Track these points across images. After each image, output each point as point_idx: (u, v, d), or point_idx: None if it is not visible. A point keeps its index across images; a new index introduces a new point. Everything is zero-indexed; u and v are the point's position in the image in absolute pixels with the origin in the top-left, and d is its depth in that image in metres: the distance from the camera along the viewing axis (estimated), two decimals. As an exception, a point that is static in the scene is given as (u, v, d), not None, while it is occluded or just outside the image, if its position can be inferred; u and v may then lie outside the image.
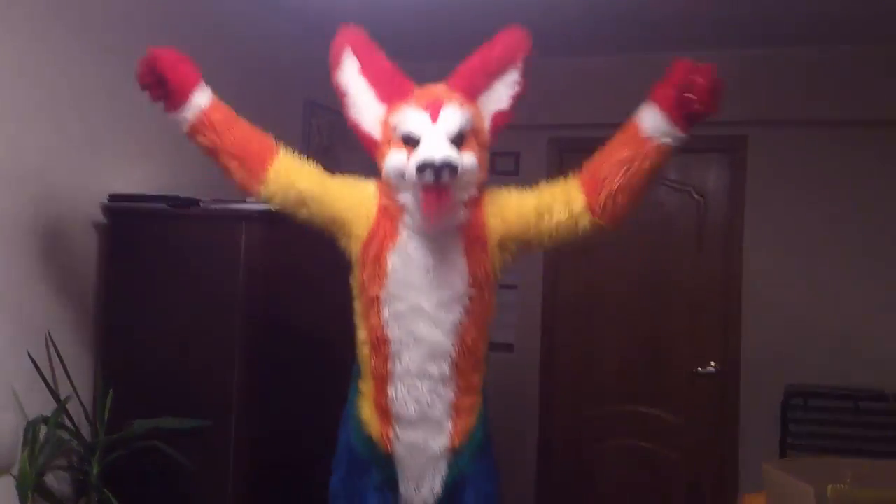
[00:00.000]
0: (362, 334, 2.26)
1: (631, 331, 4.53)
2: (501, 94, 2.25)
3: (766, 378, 4.22)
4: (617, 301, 4.54)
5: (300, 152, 2.39)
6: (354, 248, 2.25)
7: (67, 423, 2.66)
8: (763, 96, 4.23)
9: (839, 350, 4.14)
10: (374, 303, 2.19)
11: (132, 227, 2.91)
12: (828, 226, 4.21)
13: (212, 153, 2.32)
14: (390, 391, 2.20)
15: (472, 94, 2.21)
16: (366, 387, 2.27)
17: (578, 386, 4.62)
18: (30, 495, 2.43)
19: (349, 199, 2.26)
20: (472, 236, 2.19)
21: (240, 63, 3.72)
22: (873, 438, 3.91)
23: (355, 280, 2.26)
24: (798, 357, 4.20)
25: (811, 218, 4.24)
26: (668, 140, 2.13)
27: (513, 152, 4.72)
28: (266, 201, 2.32)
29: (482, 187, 2.23)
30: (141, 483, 2.68)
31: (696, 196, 4.47)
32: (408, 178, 2.07)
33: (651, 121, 2.15)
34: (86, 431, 2.75)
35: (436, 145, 2.03)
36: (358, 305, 2.27)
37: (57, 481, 2.70)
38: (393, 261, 2.17)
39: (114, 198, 2.91)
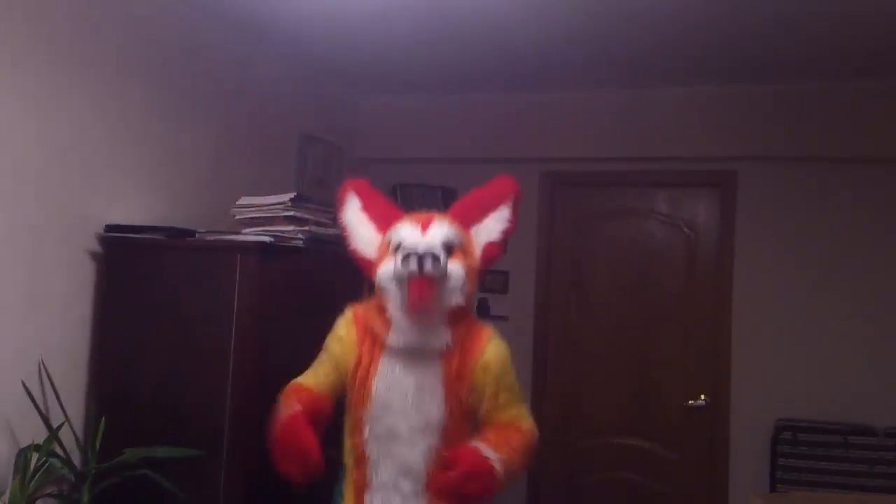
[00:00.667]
0: (348, 446, 2.41)
1: (622, 364, 4.54)
2: (492, 228, 2.42)
3: (756, 412, 4.23)
4: (608, 334, 4.57)
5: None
6: (345, 377, 2.41)
7: (59, 450, 2.66)
8: (752, 132, 4.28)
9: (829, 384, 4.16)
10: (359, 423, 2.36)
11: (128, 258, 2.93)
12: (817, 261, 4.24)
13: None
14: (366, 500, 2.35)
15: (464, 224, 2.40)
16: (347, 492, 2.42)
17: (569, 418, 4.62)
18: (20, 523, 2.43)
19: (338, 347, 2.43)
20: (452, 370, 2.32)
21: (235, 97, 3.77)
22: (862, 473, 3.92)
23: (347, 401, 2.41)
24: (788, 391, 4.21)
25: (801, 253, 4.27)
26: None
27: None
28: None
29: (471, 316, 2.41)
30: (131, 512, 2.68)
31: (686, 230, 4.51)
32: (395, 275, 2.24)
33: None
34: (77, 459, 2.76)
35: (422, 241, 2.24)
36: (347, 421, 2.42)
37: (48, 509, 2.70)
38: (377, 385, 2.33)
39: (110, 228, 2.93)
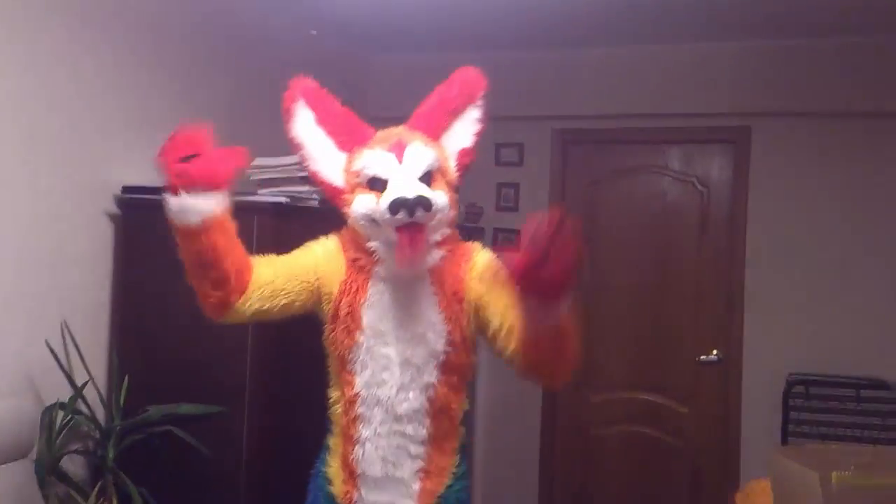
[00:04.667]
0: (334, 393, 2.19)
1: (635, 319, 4.57)
2: (463, 132, 2.23)
3: (769, 366, 4.25)
4: (621, 290, 4.58)
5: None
6: (326, 307, 2.15)
7: (84, 408, 2.72)
8: (766, 87, 4.24)
9: (841, 339, 4.17)
10: (346, 360, 2.13)
11: (145, 218, 2.93)
12: (830, 216, 4.23)
13: (207, 261, 2.01)
14: (357, 449, 2.12)
15: (433, 134, 2.18)
16: (334, 443, 2.21)
17: (582, 373, 4.62)
18: (47, 479, 2.49)
19: (315, 262, 2.17)
20: (448, 289, 2.11)
21: (247, 57, 3.76)
22: (874, 426, 3.94)
23: (328, 338, 2.17)
24: (800, 346, 4.23)
25: (814, 208, 4.26)
26: (536, 314, 1.83)
27: (517, 143, 4.75)
28: (240, 313, 2.11)
29: (454, 234, 2.18)
30: (156, 467, 2.74)
31: (699, 186, 4.50)
32: (380, 221, 2.01)
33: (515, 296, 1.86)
34: (101, 417, 2.81)
35: (406, 183, 2.00)
36: (331, 363, 2.20)
37: (74, 465, 2.76)
38: (367, 316, 2.10)
39: (127, 189, 2.95)
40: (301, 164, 2.25)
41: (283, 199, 2.83)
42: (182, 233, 1.98)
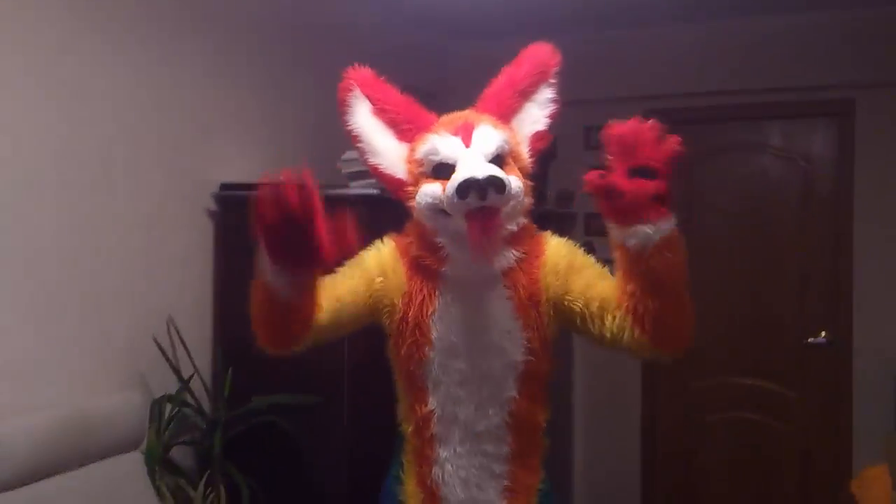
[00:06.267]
0: (404, 409, 2.03)
1: (737, 303, 4.43)
2: (536, 115, 2.02)
3: (881, 348, 4.07)
4: (722, 271, 4.44)
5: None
6: (387, 320, 1.97)
7: (190, 400, 2.81)
8: (869, 58, 4.06)
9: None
10: (417, 376, 1.96)
11: (243, 214, 3.00)
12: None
13: (277, 319, 1.83)
14: (436, 471, 1.96)
15: (503, 117, 1.98)
16: (407, 462, 2.03)
17: (683, 358, 4.54)
18: (157, 469, 2.58)
19: (368, 281, 1.95)
20: (523, 294, 1.91)
21: (335, 53, 3.79)
22: None
23: (393, 352, 2.00)
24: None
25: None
26: (640, 240, 1.64)
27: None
28: (289, 352, 1.92)
29: (530, 227, 1.98)
30: (260, 456, 2.82)
31: (801, 163, 4.33)
32: (448, 208, 1.81)
33: (614, 234, 1.70)
34: (207, 408, 2.89)
35: (476, 164, 1.79)
36: (398, 378, 2.04)
37: (182, 456, 2.86)
38: (437, 328, 1.91)
39: (225, 187, 3.03)
40: (360, 159, 2.07)
41: (374, 191, 2.85)
42: (265, 290, 1.77)
